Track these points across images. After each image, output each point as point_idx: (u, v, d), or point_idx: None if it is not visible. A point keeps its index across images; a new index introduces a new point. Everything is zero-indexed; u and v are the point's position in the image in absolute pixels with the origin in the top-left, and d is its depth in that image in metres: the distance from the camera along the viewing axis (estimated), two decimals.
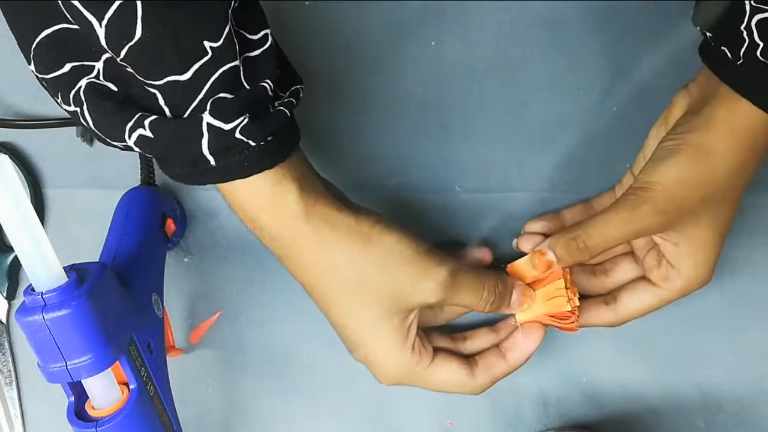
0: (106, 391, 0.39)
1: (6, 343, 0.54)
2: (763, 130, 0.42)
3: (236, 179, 0.39)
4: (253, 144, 0.38)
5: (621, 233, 0.44)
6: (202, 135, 0.37)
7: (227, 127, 0.37)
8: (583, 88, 0.52)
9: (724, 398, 0.50)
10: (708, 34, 0.43)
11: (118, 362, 0.39)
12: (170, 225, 0.50)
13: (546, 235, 0.48)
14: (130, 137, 0.37)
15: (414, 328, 0.44)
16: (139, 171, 0.52)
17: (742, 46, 0.40)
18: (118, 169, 0.54)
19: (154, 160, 0.52)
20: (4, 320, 0.54)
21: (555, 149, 0.52)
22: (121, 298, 0.41)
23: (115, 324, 0.39)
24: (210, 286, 0.53)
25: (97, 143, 0.54)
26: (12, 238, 0.35)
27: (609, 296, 0.48)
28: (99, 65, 0.37)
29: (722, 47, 0.42)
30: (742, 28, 0.40)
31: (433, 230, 0.52)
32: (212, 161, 0.38)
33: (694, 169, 0.43)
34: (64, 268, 0.37)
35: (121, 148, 0.40)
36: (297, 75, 0.42)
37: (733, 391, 0.50)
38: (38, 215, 0.53)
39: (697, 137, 0.43)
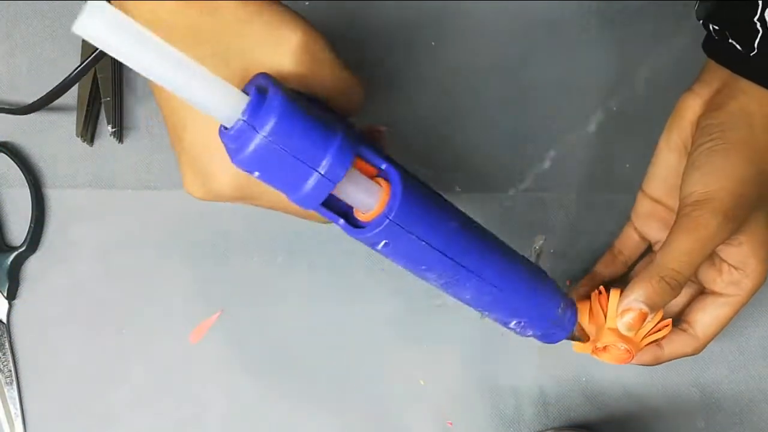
0: (365, 189, 0.34)
1: (6, 343, 0.54)
2: None
3: None
4: None
5: (702, 253, 0.41)
6: None
7: None
8: (583, 88, 0.52)
9: (724, 398, 0.50)
10: (713, 27, 0.42)
11: (357, 157, 0.34)
12: None
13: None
14: None
15: None
16: None
17: (756, 38, 0.39)
18: (118, 169, 0.54)
19: None
20: (4, 320, 0.54)
21: (555, 149, 0.52)
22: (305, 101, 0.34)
23: (324, 116, 0.33)
24: (210, 286, 0.53)
25: (96, 143, 0.54)
26: (174, 84, 0.29)
27: (683, 323, 0.45)
28: None
29: (731, 41, 0.41)
30: (755, 20, 0.39)
31: None
32: None
33: (749, 165, 0.40)
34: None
35: None
36: None
37: (732, 390, 0.50)
38: (38, 215, 0.53)
39: (740, 134, 0.41)
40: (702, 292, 0.45)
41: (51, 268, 0.54)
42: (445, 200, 0.38)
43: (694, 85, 0.44)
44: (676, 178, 0.43)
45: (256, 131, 0.30)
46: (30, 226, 0.53)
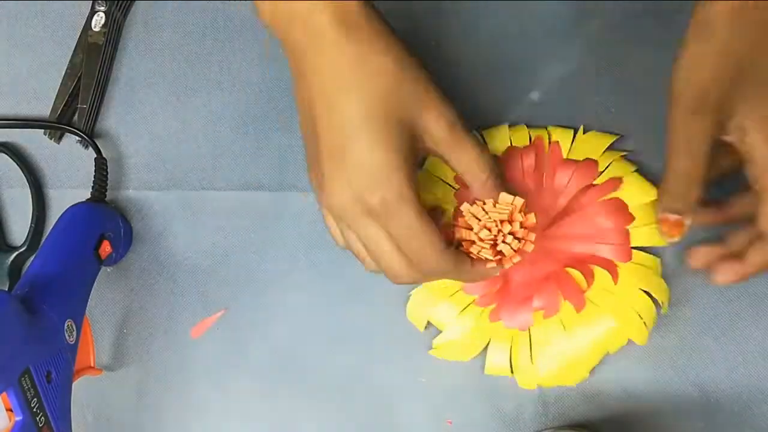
0: None
1: None
2: None
3: None
4: None
5: (693, 146, 0.42)
6: None
7: None
8: (581, 89, 0.51)
9: (724, 398, 0.50)
10: None
11: (5, 392, 0.40)
12: (105, 247, 0.50)
13: None
14: None
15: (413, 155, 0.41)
16: (92, 185, 0.52)
17: None
18: (118, 169, 0.54)
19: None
20: None
21: None
22: (24, 328, 0.41)
23: (8, 355, 0.39)
24: (213, 286, 0.53)
25: (97, 144, 0.54)
26: None
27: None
28: None
29: None
30: None
31: None
32: None
33: (704, 48, 0.41)
34: None
35: None
36: None
37: (732, 390, 0.50)
38: (39, 215, 0.53)
39: (699, 15, 0.41)
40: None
41: None
42: None
43: None
44: None
45: None
46: (31, 226, 0.53)
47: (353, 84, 0.40)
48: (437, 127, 0.41)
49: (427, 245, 0.41)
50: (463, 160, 0.43)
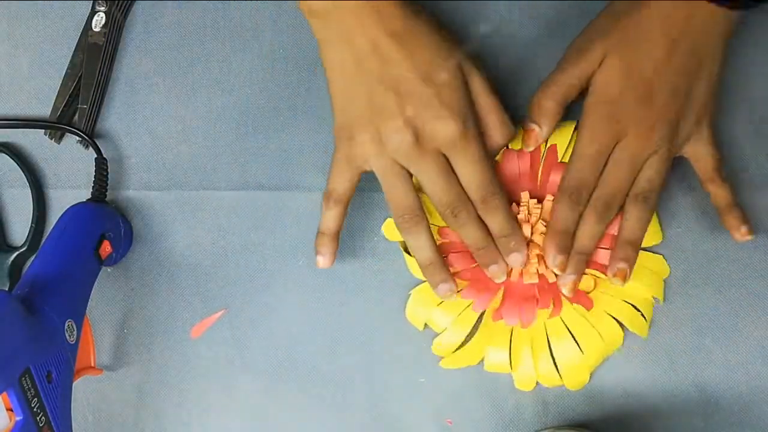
0: None
1: None
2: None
3: None
4: None
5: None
6: None
7: None
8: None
9: (723, 398, 0.50)
10: None
11: (5, 392, 0.40)
12: (105, 247, 0.50)
13: None
14: None
15: None
16: (92, 185, 0.52)
17: None
18: (118, 169, 0.54)
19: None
20: None
21: None
22: (24, 328, 0.41)
23: (8, 355, 0.39)
24: (213, 286, 0.53)
25: (97, 143, 0.54)
26: None
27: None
28: None
29: None
30: None
31: None
32: None
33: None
34: None
35: None
36: None
37: (731, 390, 0.50)
38: (39, 215, 0.53)
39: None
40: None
41: None
42: None
43: None
44: None
45: None
46: (31, 226, 0.53)
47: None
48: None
49: (491, 173, 0.47)
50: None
